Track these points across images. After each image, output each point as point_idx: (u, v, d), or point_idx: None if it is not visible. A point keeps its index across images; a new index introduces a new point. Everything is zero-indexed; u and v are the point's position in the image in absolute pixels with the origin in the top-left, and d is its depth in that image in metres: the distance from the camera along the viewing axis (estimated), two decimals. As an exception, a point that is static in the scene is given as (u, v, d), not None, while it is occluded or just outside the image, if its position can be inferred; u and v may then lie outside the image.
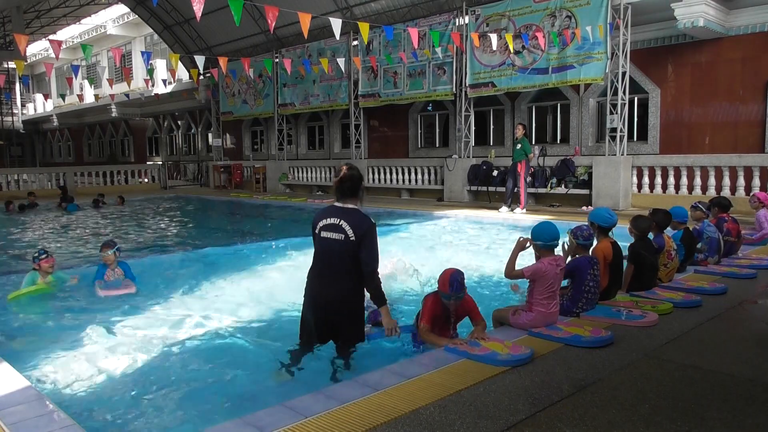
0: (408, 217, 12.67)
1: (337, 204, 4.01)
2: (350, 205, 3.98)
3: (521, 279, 4.41)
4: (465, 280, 4.10)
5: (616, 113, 12.46)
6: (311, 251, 4.14)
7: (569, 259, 4.81)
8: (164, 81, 22.64)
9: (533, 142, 15.06)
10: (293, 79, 19.73)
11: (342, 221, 3.89)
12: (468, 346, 3.82)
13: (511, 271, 4.35)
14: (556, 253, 4.44)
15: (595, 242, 4.96)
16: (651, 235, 5.56)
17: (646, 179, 12.51)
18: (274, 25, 8.13)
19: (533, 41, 13.13)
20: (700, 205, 6.85)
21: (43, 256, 6.30)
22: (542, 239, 4.33)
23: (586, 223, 4.95)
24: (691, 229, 6.43)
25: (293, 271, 7.61)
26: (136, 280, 6.58)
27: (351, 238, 3.85)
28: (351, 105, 18.36)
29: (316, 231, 3.97)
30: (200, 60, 12.34)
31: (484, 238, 10.21)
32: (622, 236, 5.73)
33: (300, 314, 4.22)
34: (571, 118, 14.90)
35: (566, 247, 4.88)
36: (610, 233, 5.11)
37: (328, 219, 3.93)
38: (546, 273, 4.22)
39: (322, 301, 3.98)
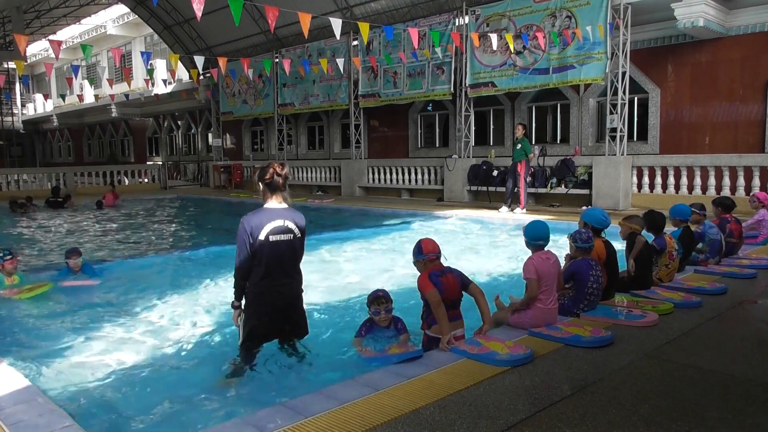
0: (408, 217, 12.67)
1: (270, 205, 3.94)
2: (284, 204, 3.97)
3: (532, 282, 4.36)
4: (415, 251, 4.18)
5: (616, 113, 12.45)
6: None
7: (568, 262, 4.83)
8: (164, 81, 22.65)
9: (533, 142, 15.05)
10: (293, 79, 19.73)
11: (286, 221, 3.91)
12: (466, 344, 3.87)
13: (527, 298, 4.33)
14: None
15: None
16: (651, 237, 5.57)
17: (646, 179, 12.50)
18: (274, 25, 8.13)
19: (533, 41, 13.13)
20: (693, 209, 6.82)
21: (8, 257, 6.13)
22: (528, 236, 4.46)
23: (585, 228, 4.96)
24: (692, 230, 6.42)
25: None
26: (102, 274, 7.06)
27: (298, 235, 3.99)
28: (351, 105, 18.35)
29: (262, 238, 3.82)
30: (200, 60, 12.34)
31: (484, 238, 10.22)
32: (616, 236, 5.74)
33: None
34: (571, 118, 14.90)
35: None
36: (602, 234, 5.14)
37: (273, 222, 3.86)
38: (540, 268, 4.26)
39: (282, 303, 3.98)
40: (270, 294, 3.92)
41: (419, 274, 4.14)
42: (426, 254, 4.12)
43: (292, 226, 3.93)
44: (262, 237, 3.82)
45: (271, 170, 3.90)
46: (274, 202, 3.95)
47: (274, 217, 3.88)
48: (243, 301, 3.99)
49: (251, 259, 3.86)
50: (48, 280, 6.45)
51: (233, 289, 3.99)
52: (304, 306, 4.23)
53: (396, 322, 4.39)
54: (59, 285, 6.36)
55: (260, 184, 3.97)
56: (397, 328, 4.37)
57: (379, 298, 4.35)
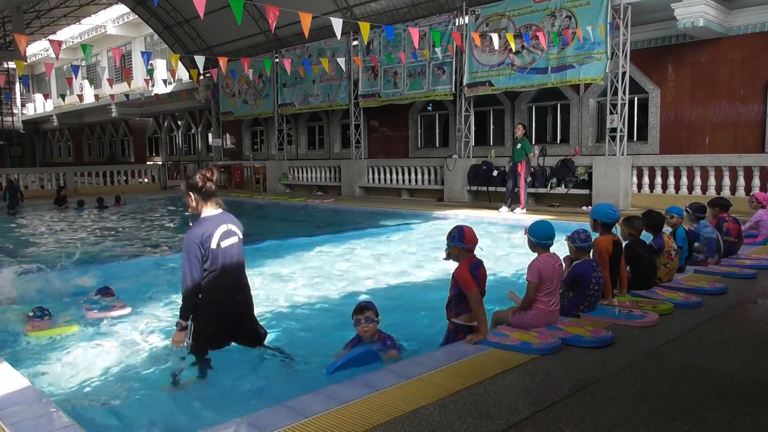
0: (408, 218, 12.67)
1: (209, 213, 3.85)
2: (220, 209, 3.92)
3: (534, 286, 4.32)
4: (455, 236, 4.18)
5: (616, 113, 12.46)
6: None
7: (571, 264, 4.81)
8: (164, 81, 22.66)
9: (533, 142, 15.05)
10: (293, 79, 19.73)
11: (230, 225, 3.89)
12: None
13: (525, 301, 4.30)
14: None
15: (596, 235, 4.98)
16: (650, 237, 5.57)
17: (646, 179, 12.51)
18: (274, 25, 8.13)
19: (534, 41, 13.13)
20: (687, 209, 6.80)
21: (37, 318, 5.31)
22: (537, 236, 4.38)
23: (581, 228, 4.95)
24: (686, 229, 6.41)
25: (293, 270, 7.62)
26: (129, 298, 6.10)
27: (241, 237, 3.99)
28: (351, 105, 18.36)
29: (214, 246, 3.74)
30: (200, 60, 12.34)
31: (484, 239, 10.20)
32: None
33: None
34: (571, 118, 14.90)
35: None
36: (613, 229, 5.11)
37: (219, 228, 3.80)
38: (544, 270, 4.24)
39: (235, 309, 3.96)
40: (224, 300, 3.88)
41: (456, 263, 4.11)
42: (467, 243, 4.10)
43: (234, 229, 3.91)
44: (213, 245, 3.74)
45: (199, 177, 3.78)
46: (212, 209, 3.86)
47: (219, 223, 3.82)
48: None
49: (204, 270, 3.77)
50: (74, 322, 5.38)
51: (182, 309, 3.85)
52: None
53: (386, 339, 4.16)
54: (86, 317, 5.51)
55: (191, 193, 3.80)
56: (386, 344, 4.12)
57: (360, 309, 4.14)
